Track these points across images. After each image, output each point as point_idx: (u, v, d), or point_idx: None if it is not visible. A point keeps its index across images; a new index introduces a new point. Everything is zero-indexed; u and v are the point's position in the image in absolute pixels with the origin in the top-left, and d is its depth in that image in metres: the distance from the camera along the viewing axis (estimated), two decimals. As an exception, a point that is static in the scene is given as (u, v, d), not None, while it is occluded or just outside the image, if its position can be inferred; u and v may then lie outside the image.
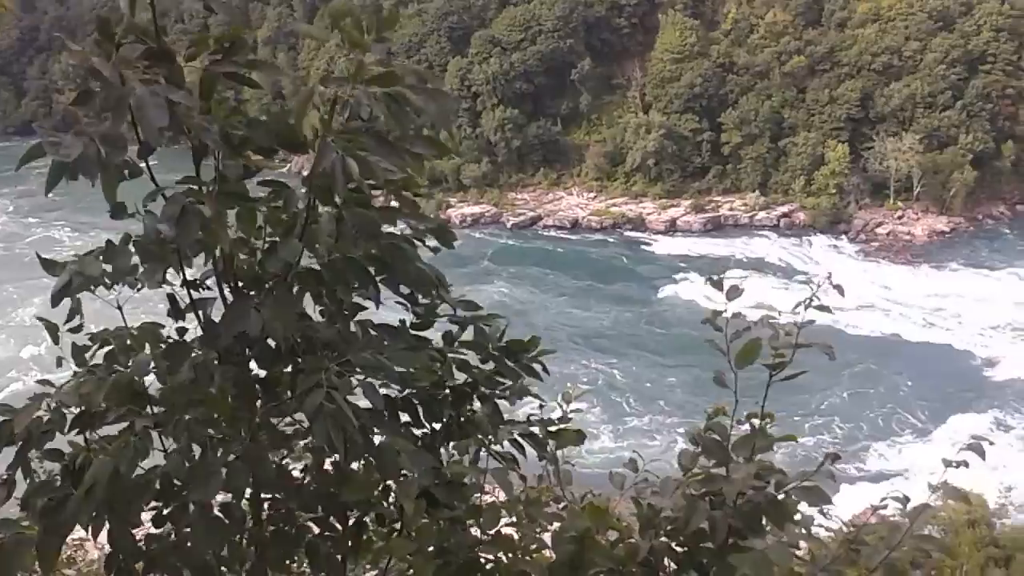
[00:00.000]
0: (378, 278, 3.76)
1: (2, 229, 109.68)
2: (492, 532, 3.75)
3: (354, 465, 3.89)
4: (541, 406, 4.28)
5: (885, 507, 3.25)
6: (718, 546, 3.33)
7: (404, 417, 4.06)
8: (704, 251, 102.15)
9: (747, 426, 3.55)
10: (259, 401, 3.80)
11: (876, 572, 3.15)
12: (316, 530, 4.13)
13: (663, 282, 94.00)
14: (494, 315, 4.31)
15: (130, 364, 3.81)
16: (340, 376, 3.48)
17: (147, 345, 3.87)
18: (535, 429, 4.19)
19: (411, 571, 3.69)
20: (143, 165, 3.42)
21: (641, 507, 3.58)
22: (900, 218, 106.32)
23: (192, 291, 3.82)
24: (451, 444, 4.09)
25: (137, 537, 3.78)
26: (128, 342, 3.89)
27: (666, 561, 3.46)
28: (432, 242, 3.91)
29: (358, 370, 3.66)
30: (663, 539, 3.46)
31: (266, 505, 4.01)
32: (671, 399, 71.50)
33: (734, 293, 3.29)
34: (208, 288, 3.83)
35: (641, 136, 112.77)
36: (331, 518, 4.09)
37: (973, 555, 44.96)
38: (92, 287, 3.66)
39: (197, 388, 3.63)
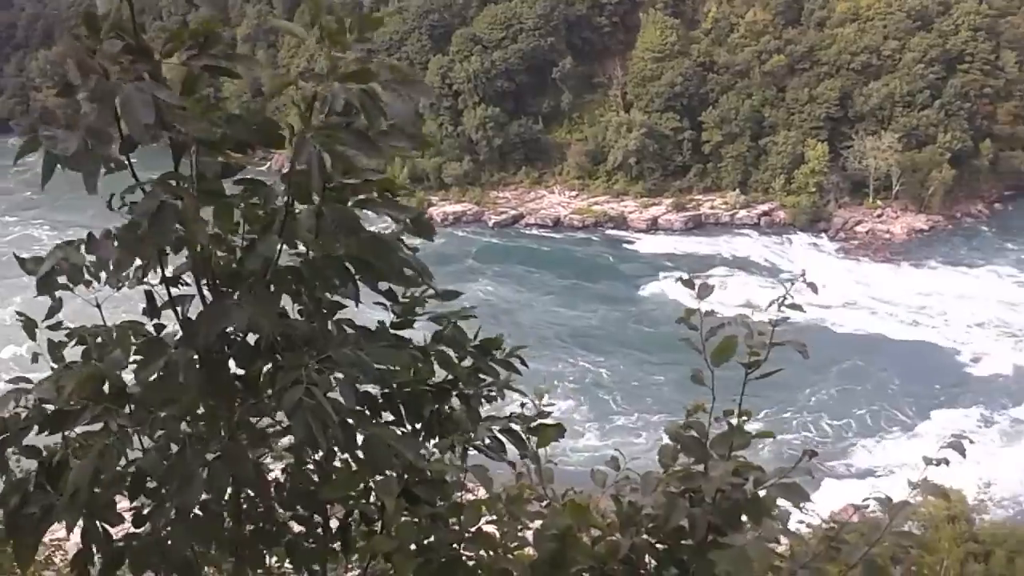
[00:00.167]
0: (358, 276, 3.76)
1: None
2: (473, 530, 3.74)
3: (335, 463, 3.88)
4: (522, 405, 4.29)
5: (867, 506, 3.27)
6: (698, 543, 3.34)
7: (386, 416, 4.05)
8: (688, 250, 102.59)
9: (736, 423, 3.56)
10: (238, 400, 3.78)
11: (856, 569, 3.16)
12: (296, 528, 4.12)
13: (649, 280, 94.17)
14: (467, 314, 4.31)
15: (105, 361, 3.78)
16: (320, 373, 3.47)
17: (124, 342, 3.85)
18: (515, 426, 4.19)
19: (392, 569, 3.68)
20: (125, 161, 3.41)
21: (621, 505, 3.59)
22: (879, 216, 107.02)
23: (170, 288, 3.80)
24: (432, 442, 4.08)
25: (116, 536, 3.77)
26: (100, 339, 3.87)
27: (646, 558, 3.46)
28: (414, 241, 3.90)
29: (338, 368, 3.66)
30: (644, 536, 3.46)
31: (245, 503, 3.99)
32: (658, 397, 71.65)
33: (705, 291, 3.31)
34: (186, 284, 3.81)
35: (622, 135, 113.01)
36: (312, 516, 4.08)
37: (953, 551, 45.33)
38: (77, 278, 3.64)
39: (172, 385, 3.61)
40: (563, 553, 3.46)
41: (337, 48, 3.35)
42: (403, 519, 3.65)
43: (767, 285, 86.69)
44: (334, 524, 4.12)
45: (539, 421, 4.24)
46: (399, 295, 4.18)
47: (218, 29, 3.46)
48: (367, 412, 3.90)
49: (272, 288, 3.60)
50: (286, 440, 3.99)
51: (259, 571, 4.37)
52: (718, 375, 3.57)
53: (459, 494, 3.85)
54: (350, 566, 4.56)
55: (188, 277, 3.78)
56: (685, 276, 3.44)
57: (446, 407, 4.15)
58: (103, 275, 3.76)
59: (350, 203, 3.58)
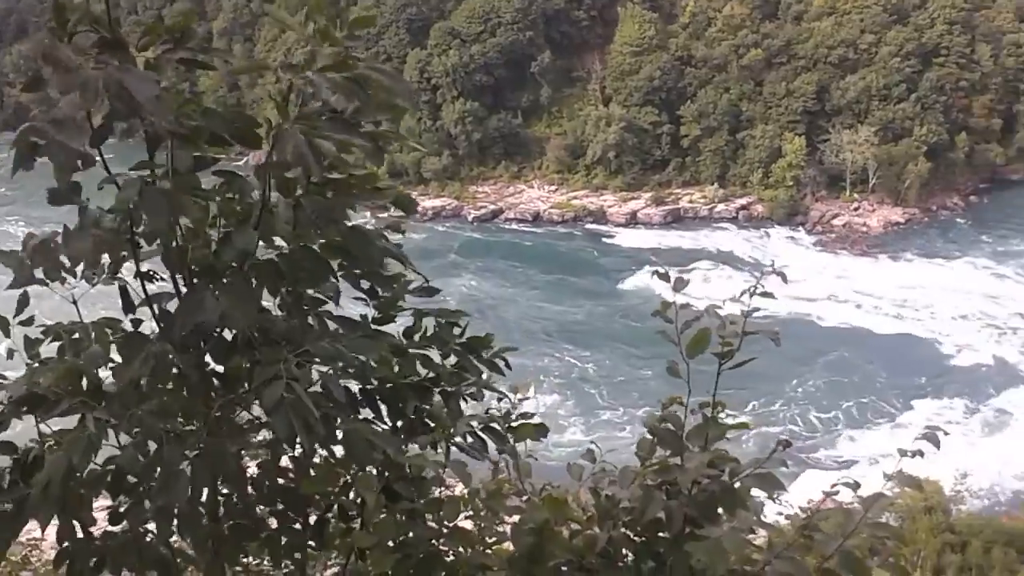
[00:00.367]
0: (340, 272, 3.75)
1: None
2: (452, 525, 3.74)
3: (315, 459, 3.87)
4: (500, 399, 4.28)
5: (837, 493, 3.30)
6: (674, 535, 3.36)
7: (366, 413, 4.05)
8: (670, 244, 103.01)
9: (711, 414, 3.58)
10: (216, 395, 3.76)
11: (832, 559, 3.18)
12: (275, 524, 4.11)
13: (634, 275, 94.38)
14: (458, 312, 4.31)
15: (82, 357, 3.76)
16: (299, 367, 3.46)
17: (102, 339, 3.82)
18: (495, 425, 4.19)
19: (371, 565, 3.68)
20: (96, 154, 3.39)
21: (599, 498, 3.60)
22: (856, 210, 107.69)
23: (145, 284, 3.78)
24: (412, 440, 4.08)
25: (93, 534, 3.75)
26: (76, 335, 3.85)
27: (624, 551, 3.48)
28: (395, 236, 3.89)
29: (318, 362, 3.65)
30: (621, 529, 3.48)
31: (223, 499, 3.98)
32: (644, 391, 71.86)
33: (680, 285, 3.32)
34: (162, 279, 3.79)
35: (601, 129, 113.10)
36: (290, 512, 4.07)
37: (930, 541, 45.76)
38: (53, 273, 3.62)
39: (150, 381, 3.59)
40: (541, 547, 3.46)
41: (328, 44, 3.35)
42: (382, 515, 3.65)
43: (751, 280, 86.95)
44: (312, 520, 4.11)
45: (521, 422, 4.23)
46: (380, 292, 4.17)
47: (193, 23, 3.45)
48: (347, 408, 3.89)
49: (249, 281, 3.58)
50: (263, 435, 3.98)
51: (237, 568, 4.36)
52: (702, 368, 3.59)
53: (438, 490, 3.85)
54: (329, 562, 4.56)
55: (165, 273, 3.77)
56: (662, 270, 3.45)
57: (427, 404, 4.14)
58: (79, 270, 3.74)
59: (331, 195, 3.58)
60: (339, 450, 3.75)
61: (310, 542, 4.08)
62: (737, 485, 3.30)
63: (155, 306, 3.78)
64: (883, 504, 3.25)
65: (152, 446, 3.58)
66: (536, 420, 4.27)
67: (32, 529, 3.65)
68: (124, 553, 3.76)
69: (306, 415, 3.34)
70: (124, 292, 3.85)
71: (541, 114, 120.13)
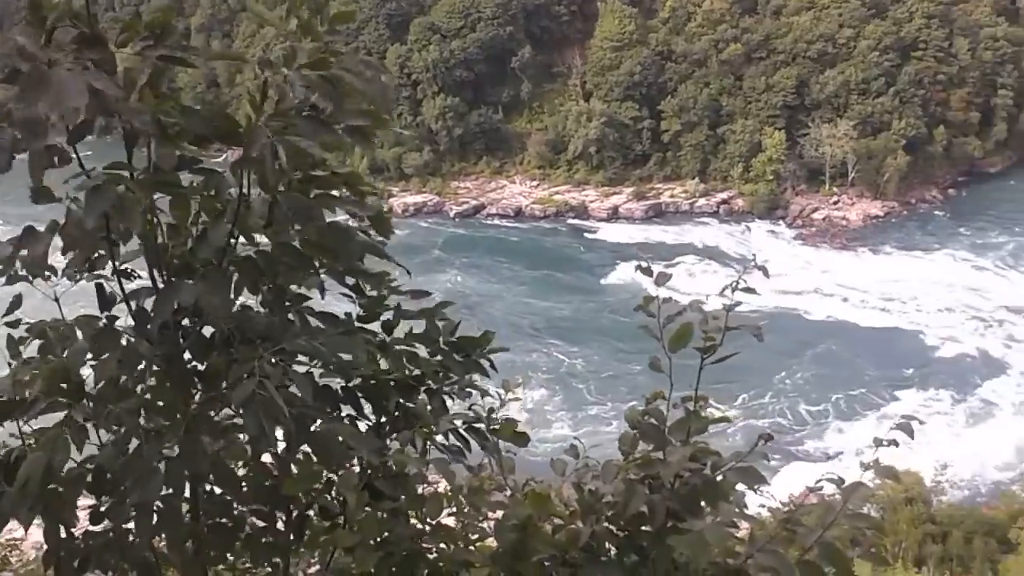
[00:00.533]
0: (323, 269, 3.74)
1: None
2: (435, 522, 3.74)
3: (297, 457, 3.85)
4: (484, 395, 4.28)
5: (821, 488, 3.32)
6: (657, 529, 3.37)
7: (349, 410, 4.03)
8: (654, 238, 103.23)
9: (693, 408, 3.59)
10: (195, 393, 3.75)
11: (812, 551, 3.21)
12: (257, 523, 4.09)
13: (620, 270, 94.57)
14: (445, 302, 4.29)
15: (65, 354, 3.74)
16: (274, 365, 3.45)
17: (85, 335, 3.80)
18: (479, 425, 4.18)
19: (353, 563, 3.67)
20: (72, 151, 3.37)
21: (582, 492, 3.61)
22: (835, 203, 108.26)
23: (122, 281, 3.76)
24: (394, 436, 4.07)
25: (75, 533, 3.73)
26: (62, 332, 3.82)
27: (607, 545, 3.49)
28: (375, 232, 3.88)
29: (302, 360, 3.64)
30: (604, 524, 3.49)
31: (204, 498, 3.96)
32: (633, 385, 72.09)
33: (663, 279, 3.33)
34: (139, 276, 3.77)
35: (582, 124, 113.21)
36: (271, 510, 4.06)
37: (911, 532, 46.13)
38: (37, 270, 3.59)
39: (127, 378, 3.57)
40: (524, 543, 3.47)
41: (309, 40, 3.34)
42: (365, 513, 3.64)
43: (735, 274, 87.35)
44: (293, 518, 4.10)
45: (504, 422, 4.22)
46: (366, 290, 4.16)
47: (172, 20, 3.43)
48: (326, 406, 3.88)
49: (226, 276, 3.57)
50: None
51: (219, 567, 4.35)
52: (689, 363, 3.60)
53: (421, 487, 3.85)
54: (313, 560, 4.55)
55: (143, 271, 3.75)
56: (644, 264, 3.46)
57: (411, 402, 4.13)
58: (61, 268, 3.72)
59: (312, 196, 3.57)
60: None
61: (291, 541, 4.07)
62: (720, 478, 3.31)
63: (132, 303, 3.76)
64: (863, 494, 3.27)
65: (134, 444, 3.57)
66: (520, 427, 4.24)
67: (13, 529, 3.63)
68: (106, 553, 3.75)
69: (276, 413, 3.33)
70: (100, 289, 3.83)
71: (522, 109, 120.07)
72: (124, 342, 3.64)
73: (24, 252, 3.47)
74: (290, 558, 4.17)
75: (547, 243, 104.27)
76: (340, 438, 3.66)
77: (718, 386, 67.20)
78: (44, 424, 3.63)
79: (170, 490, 3.64)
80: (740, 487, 3.34)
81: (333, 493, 3.85)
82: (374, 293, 4.08)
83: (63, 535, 3.67)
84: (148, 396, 3.68)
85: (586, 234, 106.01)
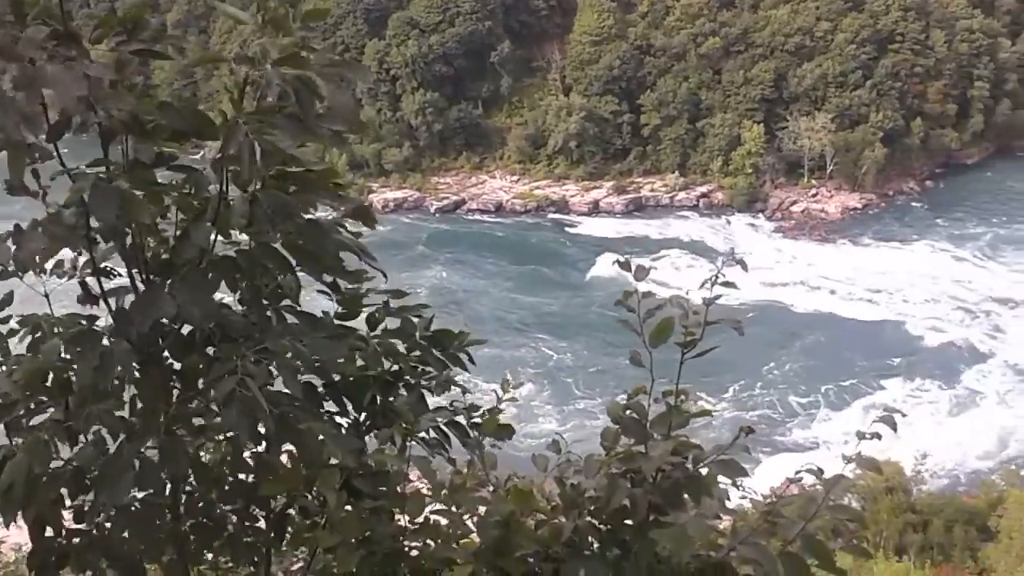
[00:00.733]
0: (298, 266, 3.72)
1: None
2: (422, 519, 3.73)
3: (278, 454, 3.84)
4: (465, 392, 4.27)
5: (801, 480, 3.33)
6: (639, 523, 3.38)
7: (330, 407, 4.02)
8: (638, 232, 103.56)
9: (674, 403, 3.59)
10: (174, 392, 3.72)
11: (794, 543, 3.22)
12: (237, 522, 4.07)
13: (607, 264, 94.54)
14: (421, 305, 4.28)
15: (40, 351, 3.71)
16: (256, 364, 3.43)
17: (62, 333, 3.77)
18: (460, 419, 4.17)
19: (335, 562, 3.66)
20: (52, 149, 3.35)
21: (564, 487, 3.61)
22: (814, 196, 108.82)
23: (101, 279, 3.73)
24: (374, 434, 4.06)
25: (62, 533, 3.72)
26: (56, 328, 3.80)
27: (590, 540, 3.49)
28: (355, 227, 3.86)
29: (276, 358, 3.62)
30: (587, 519, 3.49)
31: (184, 497, 3.94)
32: (621, 379, 72.22)
33: (642, 273, 3.33)
34: (118, 275, 3.74)
35: (562, 119, 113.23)
36: (253, 510, 4.04)
37: (892, 521, 46.48)
38: (27, 266, 3.57)
39: (106, 377, 3.54)
40: (507, 539, 3.47)
41: (281, 35, 3.31)
42: (346, 513, 3.63)
43: (726, 268, 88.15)
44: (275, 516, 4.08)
45: (487, 416, 4.22)
46: (343, 287, 4.14)
47: (147, 15, 3.40)
48: (307, 403, 3.86)
49: (207, 277, 3.54)
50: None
51: (201, 567, 4.33)
52: (675, 357, 3.60)
53: (402, 486, 3.83)
54: (295, 558, 4.53)
55: (123, 268, 3.72)
56: (623, 259, 3.46)
57: (391, 398, 4.12)
58: (49, 265, 3.70)
59: (290, 192, 3.55)
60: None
61: (274, 541, 4.06)
62: (703, 472, 3.32)
63: (111, 302, 3.73)
64: (844, 486, 3.29)
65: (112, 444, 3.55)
66: (507, 422, 4.25)
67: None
68: (89, 552, 3.73)
69: (256, 412, 3.31)
70: (84, 286, 3.80)
71: (502, 104, 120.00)
72: (105, 342, 3.61)
73: (15, 249, 3.45)
74: (270, 557, 4.15)
75: (531, 238, 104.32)
76: (320, 437, 3.65)
77: (708, 379, 67.83)
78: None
79: (150, 490, 3.62)
80: (724, 480, 3.34)
81: (313, 492, 3.83)
82: (352, 288, 4.06)
83: (48, 534, 3.66)
84: (127, 396, 3.66)
85: (569, 228, 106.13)
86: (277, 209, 3.51)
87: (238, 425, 3.29)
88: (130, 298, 3.65)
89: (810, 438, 69.60)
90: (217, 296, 3.62)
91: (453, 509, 3.71)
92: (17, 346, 3.85)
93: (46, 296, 3.93)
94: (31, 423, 3.61)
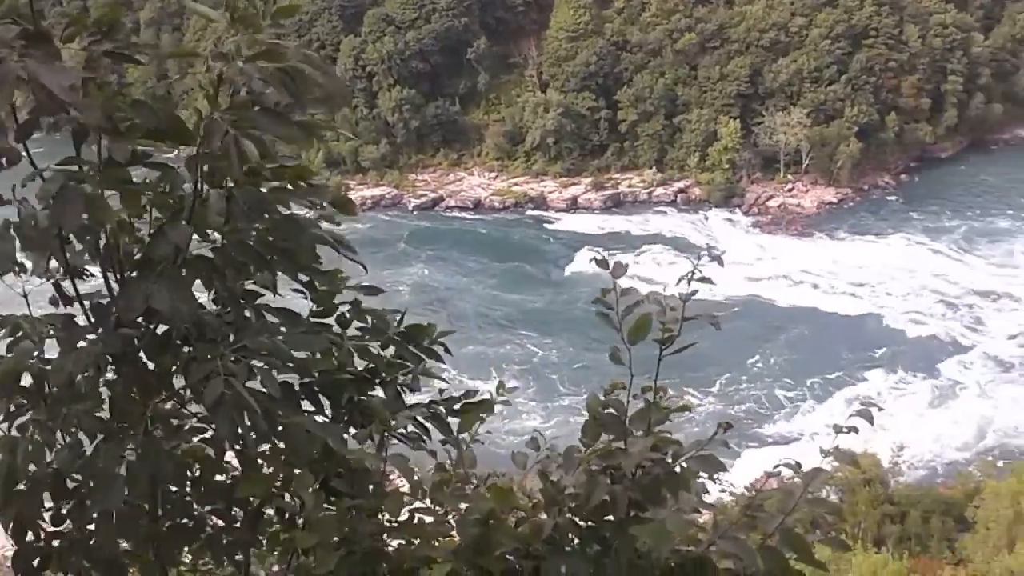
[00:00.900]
0: (274, 262, 3.70)
1: None
2: (407, 518, 3.72)
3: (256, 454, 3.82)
4: (441, 391, 4.27)
5: (779, 473, 3.35)
6: (619, 519, 3.38)
7: (306, 405, 4.00)
8: (620, 228, 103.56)
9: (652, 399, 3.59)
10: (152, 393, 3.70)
11: (773, 537, 3.23)
12: (217, 522, 4.05)
13: (589, 260, 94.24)
14: (391, 310, 4.28)
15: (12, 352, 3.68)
16: (236, 362, 3.41)
17: (36, 333, 3.74)
18: (440, 409, 4.17)
19: (314, 564, 3.64)
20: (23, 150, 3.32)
21: (548, 481, 3.60)
22: (790, 190, 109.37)
23: (75, 280, 3.70)
24: (352, 433, 4.05)
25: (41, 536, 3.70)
26: (35, 328, 3.76)
27: (571, 536, 3.49)
28: (327, 226, 3.84)
29: (263, 355, 3.60)
30: (567, 515, 3.49)
31: (162, 498, 3.92)
32: (606, 375, 72.12)
33: (619, 270, 3.34)
34: (92, 276, 3.72)
35: (540, 115, 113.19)
36: (233, 510, 4.02)
37: (869, 513, 46.85)
38: (5, 266, 3.54)
39: (85, 379, 3.52)
40: (486, 537, 3.46)
41: (250, 32, 3.29)
42: (324, 513, 3.61)
43: (704, 264, 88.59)
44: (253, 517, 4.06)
45: (464, 401, 4.22)
46: (318, 286, 4.13)
47: (120, 15, 3.38)
48: (288, 402, 3.85)
49: (184, 275, 3.52)
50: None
51: (182, 567, 4.30)
52: (657, 352, 3.60)
53: (381, 484, 3.82)
54: (273, 560, 4.51)
55: (96, 270, 3.69)
56: (599, 257, 3.46)
57: (366, 395, 4.11)
58: (29, 265, 3.67)
59: (265, 190, 3.54)
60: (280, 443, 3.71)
61: (251, 540, 4.04)
62: (685, 467, 3.33)
63: (87, 303, 3.70)
64: (823, 479, 3.31)
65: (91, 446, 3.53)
66: (491, 418, 4.26)
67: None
68: (71, 554, 3.70)
69: (247, 411, 3.30)
70: (58, 287, 3.77)
71: (479, 101, 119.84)
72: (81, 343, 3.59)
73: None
74: (250, 558, 4.14)
75: (512, 235, 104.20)
76: (308, 430, 3.64)
77: (695, 373, 68.27)
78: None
79: (131, 493, 3.60)
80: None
81: (290, 493, 3.81)
82: (326, 288, 4.05)
83: (27, 537, 3.64)
84: (104, 397, 3.63)
85: (547, 225, 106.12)
86: (254, 205, 3.50)
87: (231, 427, 3.28)
88: (105, 298, 3.63)
89: (795, 430, 70.29)
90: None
91: (434, 508, 3.70)
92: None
93: (25, 297, 3.90)
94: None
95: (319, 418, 4.01)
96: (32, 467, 3.50)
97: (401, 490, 3.76)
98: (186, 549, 4.09)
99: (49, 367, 3.55)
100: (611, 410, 3.55)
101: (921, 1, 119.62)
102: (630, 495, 3.33)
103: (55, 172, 3.28)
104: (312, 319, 4.03)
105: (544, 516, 3.53)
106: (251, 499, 3.90)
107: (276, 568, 4.47)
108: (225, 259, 3.56)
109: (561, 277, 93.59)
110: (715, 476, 3.28)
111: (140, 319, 3.57)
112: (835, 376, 77.15)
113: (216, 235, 3.59)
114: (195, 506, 3.99)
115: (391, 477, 3.92)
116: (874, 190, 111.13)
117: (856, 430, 3.22)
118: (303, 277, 3.90)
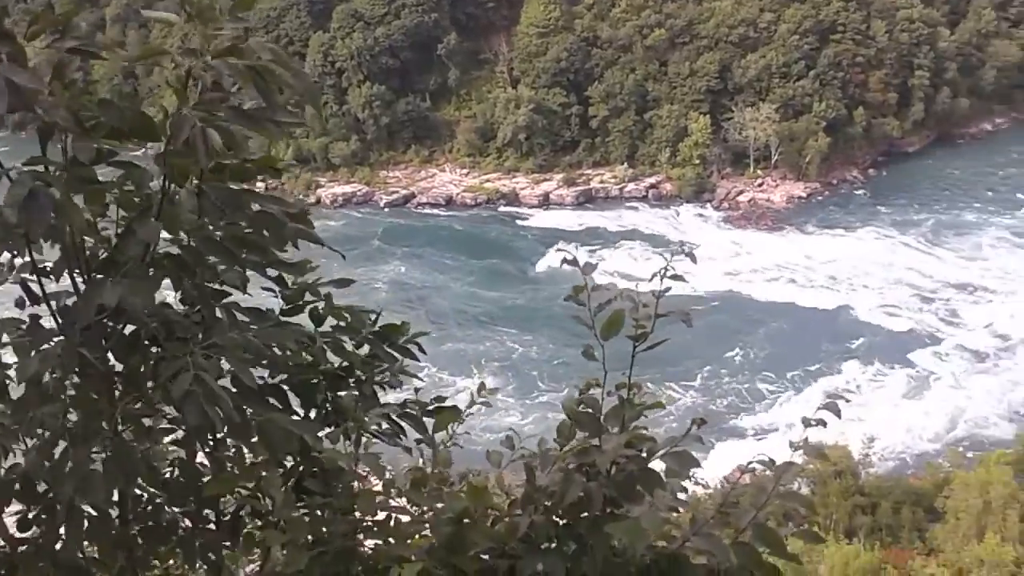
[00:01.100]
0: (245, 258, 3.67)
1: None
2: (383, 516, 3.70)
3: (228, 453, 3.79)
4: (417, 390, 4.26)
5: (753, 469, 3.37)
6: (594, 516, 3.38)
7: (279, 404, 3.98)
8: (593, 224, 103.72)
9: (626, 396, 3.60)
10: (119, 393, 3.65)
11: (746, 532, 3.25)
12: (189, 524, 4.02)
13: (563, 262, 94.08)
14: (364, 310, 4.26)
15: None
16: (207, 359, 3.38)
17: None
18: (412, 411, 4.16)
19: (286, 563, 3.62)
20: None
21: (532, 476, 3.59)
22: (760, 185, 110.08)
23: (42, 281, 3.65)
24: (326, 432, 4.02)
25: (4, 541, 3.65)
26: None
27: (547, 534, 3.48)
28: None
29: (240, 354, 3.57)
30: (543, 514, 3.48)
31: (131, 501, 3.88)
32: (585, 372, 72.42)
33: (589, 268, 3.34)
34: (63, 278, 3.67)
35: (511, 111, 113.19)
36: (205, 512, 3.99)
37: (841, 504, 47.30)
38: None
39: (52, 381, 3.47)
40: (460, 536, 3.45)
41: (209, 27, 3.26)
42: (296, 512, 3.59)
43: (675, 258, 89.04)
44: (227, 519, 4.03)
45: (435, 406, 4.22)
46: (289, 282, 4.10)
47: (85, 10, 3.33)
48: (260, 398, 3.82)
49: (151, 274, 3.48)
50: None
51: (155, 571, 4.26)
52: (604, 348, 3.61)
53: (354, 483, 3.80)
54: (251, 559, 4.48)
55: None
56: (568, 256, 3.46)
57: (339, 393, 4.09)
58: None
59: (230, 182, 3.51)
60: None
61: (225, 542, 4.01)
62: (656, 464, 3.33)
63: (53, 303, 3.66)
64: (794, 472, 3.33)
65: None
66: (469, 416, 4.25)
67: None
68: (37, 560, 3.65)
69: (218, 402, 3.27)
70: (26, 288, 3.72)
71: (450, 97, 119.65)
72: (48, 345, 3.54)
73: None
74: (223, 559, 4.10)
75: (486, 231, 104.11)
76: (282, 426, 3.62)
77: (675, 368, 68.61)
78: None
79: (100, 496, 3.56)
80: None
81: (261, 493, 3.78)
82: (298, 282, 4.03)
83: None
84: (71, 399, 3.58)
85: (522, 221, 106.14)
86: (226, 201, 3.47)
87: (202, 419, 3.24)
88: (72, 299, 3.58)
89: (774, 421, 71.22)
90: (158, 296, 3.55)
91: (410, 507, 3.68)
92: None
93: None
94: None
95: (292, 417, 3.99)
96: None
97: (375, 489, 3.74)
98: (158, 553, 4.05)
99: (9, 370, 3.50)
100: (585, 408, 3.55)
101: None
102: (605, 492, 3.33)
103: (22, 174, 3.22)
104: (283, 317, 4.00)
105: (520, 514, 3.52)
106: (223, 500, 3.87)
107: (249, 569, 4.44)
108: (194, 256, 3.53)
109: (537, 273, 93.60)
110: (689, 472, 3.29)
111: (107, 320, 3.53)
112: (814, 368, 78.07)
113: (183, 233, 3.55)
114: (166, 508, 3.95)
115: (370, 477, 3.90)
116: (842, 184, 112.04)
117: (824, 423, 3.24)
118: (272, 272, 3.87)
